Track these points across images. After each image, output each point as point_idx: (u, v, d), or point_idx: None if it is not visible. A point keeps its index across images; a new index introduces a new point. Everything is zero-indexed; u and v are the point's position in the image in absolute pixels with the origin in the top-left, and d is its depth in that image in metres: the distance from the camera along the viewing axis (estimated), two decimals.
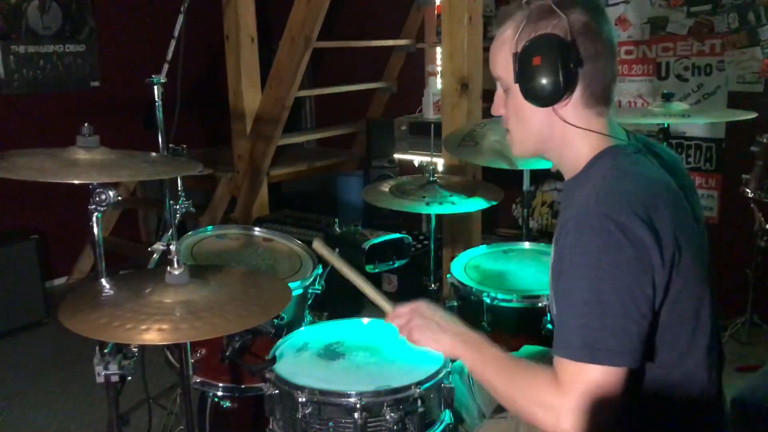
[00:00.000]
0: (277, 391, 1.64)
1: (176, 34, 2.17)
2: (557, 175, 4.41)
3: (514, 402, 1.28)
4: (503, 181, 2.62)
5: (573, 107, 1.31)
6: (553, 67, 1.24)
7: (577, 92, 1.29)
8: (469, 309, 2.13)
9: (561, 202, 1.58)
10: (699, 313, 1.26)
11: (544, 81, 1.25)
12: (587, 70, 1.28)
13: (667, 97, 2.93)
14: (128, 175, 1.61)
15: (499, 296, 2.05)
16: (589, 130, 1.31)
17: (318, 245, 1.73)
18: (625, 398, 1.17)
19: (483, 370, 1.34)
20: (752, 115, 2.89)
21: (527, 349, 1.82)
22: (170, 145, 2.19)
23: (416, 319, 1.47)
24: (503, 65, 1.33)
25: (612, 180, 1.24)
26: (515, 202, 4.37)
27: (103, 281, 1.56)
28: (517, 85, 1.30)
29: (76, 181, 1.48)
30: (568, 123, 1.30)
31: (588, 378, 1.16)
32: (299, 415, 1.56)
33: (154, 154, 1.82)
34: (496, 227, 4.44)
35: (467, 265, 2.28)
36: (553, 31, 1.26)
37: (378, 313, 1.65)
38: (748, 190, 3.07)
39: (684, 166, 1.44)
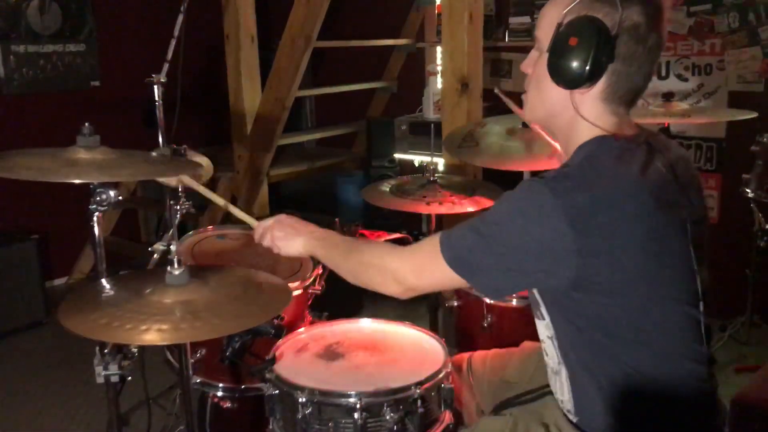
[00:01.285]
0: (277, 391, 1.64)
1: (176, 34, 2.17)
2: None
3: (354, 268, 1.45)
4: (503, 181, 2.61)
5: (591, 98, 1.30)
6: (585, 53, 1.22)
7: (600, 86, 1.28)
8: (469, 309, 2.13)
9: None
10: (664, 309, 1.26)
11: (570, 63, 1.24)
12: (617, 69, 1.26)
13: (667, 97, 2.93)
14: (128, 175, 1.61)
15: None
16: (596, 126, 1.30)
17: (185, 178, 1.78)
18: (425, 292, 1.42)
19: (329, 251, 1.51)
20: (752, 115, 2.89)
21: (527, 345, 1.82)
22: (172, 145, 2.19)
23: (276, 230, 1.59)
24: (545, 29, 1.32)
25: (576, 164, 1.27)
26: None
27: (103, 281, 1.56)
28: (547, 53, 1.29)
29: (76, 181, 1.48)
30: (579, 113, 1.30)
31: (439, 269, 1.30)
32: (299, 416, 1.56)
33: (154, 153, 1.81)
34: None
35: None
36: (604, 18, 1.24)
37: (378, 313, 1.65)
38: (748, 190, 3.07)
39: (691, 165, 1.42)
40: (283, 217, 1.62)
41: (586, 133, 1.32)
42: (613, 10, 1.23)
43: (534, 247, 1.21)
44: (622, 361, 1.26)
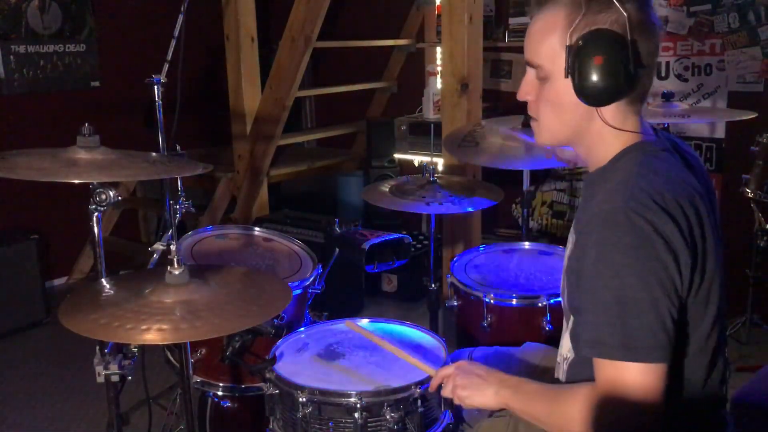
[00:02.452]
0: (277, 391, 1.64)
1: (176, 34, 2.17)
2: (557, 175, 4.40)
3: (560, 428, 1.27)
4: (503, 181, 2.62)
5: (615, 105, 1.27)
6: (616, 68, 1.19)
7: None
8: (469, 309, 2.13)
9: (582, 194, 1.56)
10: (716, 316, 1.25)
11: (604, 81, 1.20)
12: (646, 72, 1.24)
13: (667, 97, 2.93)
14: (128, 175, 1.61)
15: (499, 296, 2.05)
16: (625, 130, 1.28)
17: (351, 324, 1.80)
18: (664, 396, 1.16)
19: (527, 408, 1.33)
20: (752, 115, 2.90)
21: (529, 345, 1.81)
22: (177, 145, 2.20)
23: (459, 378, 1.44)
24: (547, 54, 1.27)
25: (639, 176, 1.21)
26: (515, 202, 4.37)
27: (103, 281, 1.56)
28: (561, 76, 1.24)
29: (76, 181, 1.48)
30: (608, 124, 1.27)
31: (628, 377, 1.15)
32: (299, 415, 1.56)
33: (154, 154, 1.82)
34: (496, 227, 4.44)
35: (467, 265, 2.28)
36: (612, 27, 1.20)
37: (378, 312, 1.64)
38: (748, 190, 3.07)
39: (705, 169, 1.41)
40: (464, 364, 1.48)
41: (614, 138, 1.29)
42: (618, 16, 1.20)
43: (668, 278, 1.15)
44: None
